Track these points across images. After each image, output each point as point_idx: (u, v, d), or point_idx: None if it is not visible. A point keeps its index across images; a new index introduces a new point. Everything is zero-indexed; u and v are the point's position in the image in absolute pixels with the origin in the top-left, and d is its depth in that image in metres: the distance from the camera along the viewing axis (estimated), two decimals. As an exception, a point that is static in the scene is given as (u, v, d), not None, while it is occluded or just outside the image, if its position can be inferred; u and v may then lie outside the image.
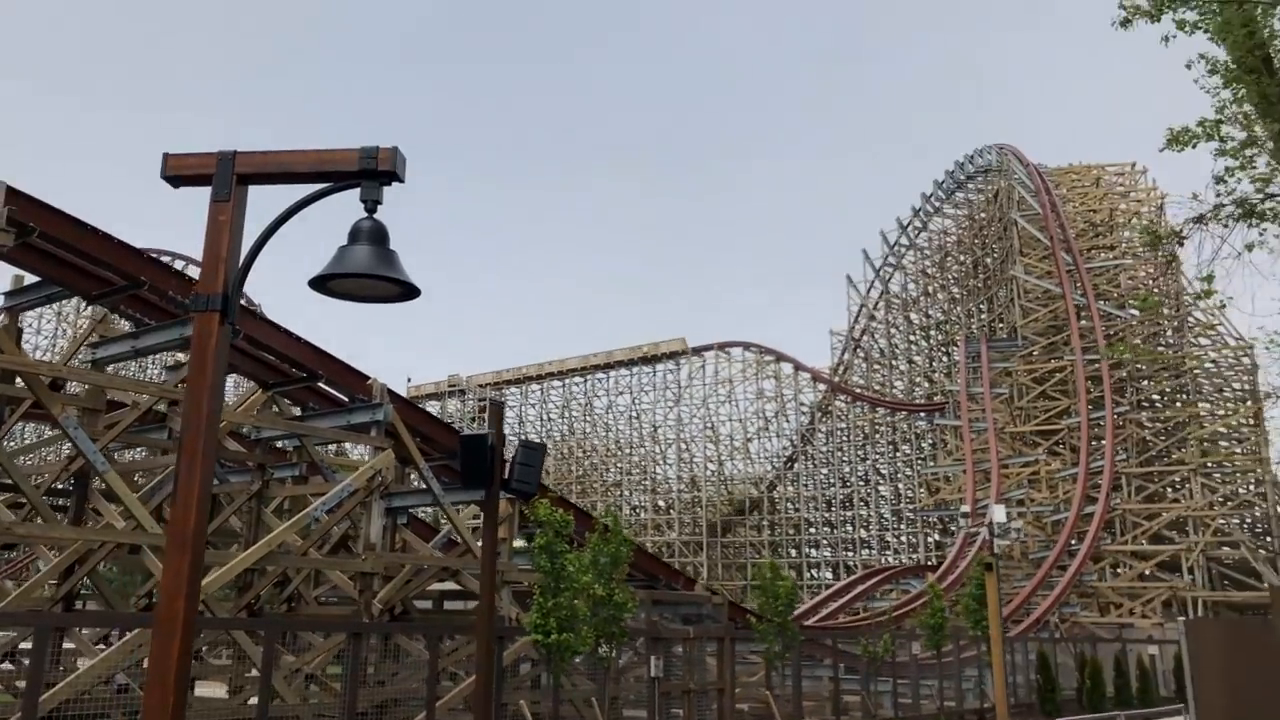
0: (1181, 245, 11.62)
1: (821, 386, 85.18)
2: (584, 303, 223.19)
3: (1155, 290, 64.53)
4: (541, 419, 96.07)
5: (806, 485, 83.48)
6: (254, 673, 16.16)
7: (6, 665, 17.99)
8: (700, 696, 21.68)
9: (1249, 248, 11.57)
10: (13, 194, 14.34)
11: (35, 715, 11.84)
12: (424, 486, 21.06)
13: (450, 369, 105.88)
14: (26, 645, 15.48)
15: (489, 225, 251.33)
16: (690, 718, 20.88)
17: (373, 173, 5.23)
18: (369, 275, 5.32)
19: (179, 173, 5.58)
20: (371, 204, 5.31)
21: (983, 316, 78.32)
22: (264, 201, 5.68)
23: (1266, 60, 11.60)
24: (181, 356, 26.54)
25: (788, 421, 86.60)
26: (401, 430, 19.46)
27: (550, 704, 16.16)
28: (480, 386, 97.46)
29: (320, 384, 20.05)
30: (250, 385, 20.74)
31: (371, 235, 5.31)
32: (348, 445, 27.70)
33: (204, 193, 5.53)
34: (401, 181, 5.36)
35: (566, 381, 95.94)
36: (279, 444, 21.44)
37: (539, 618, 13.68)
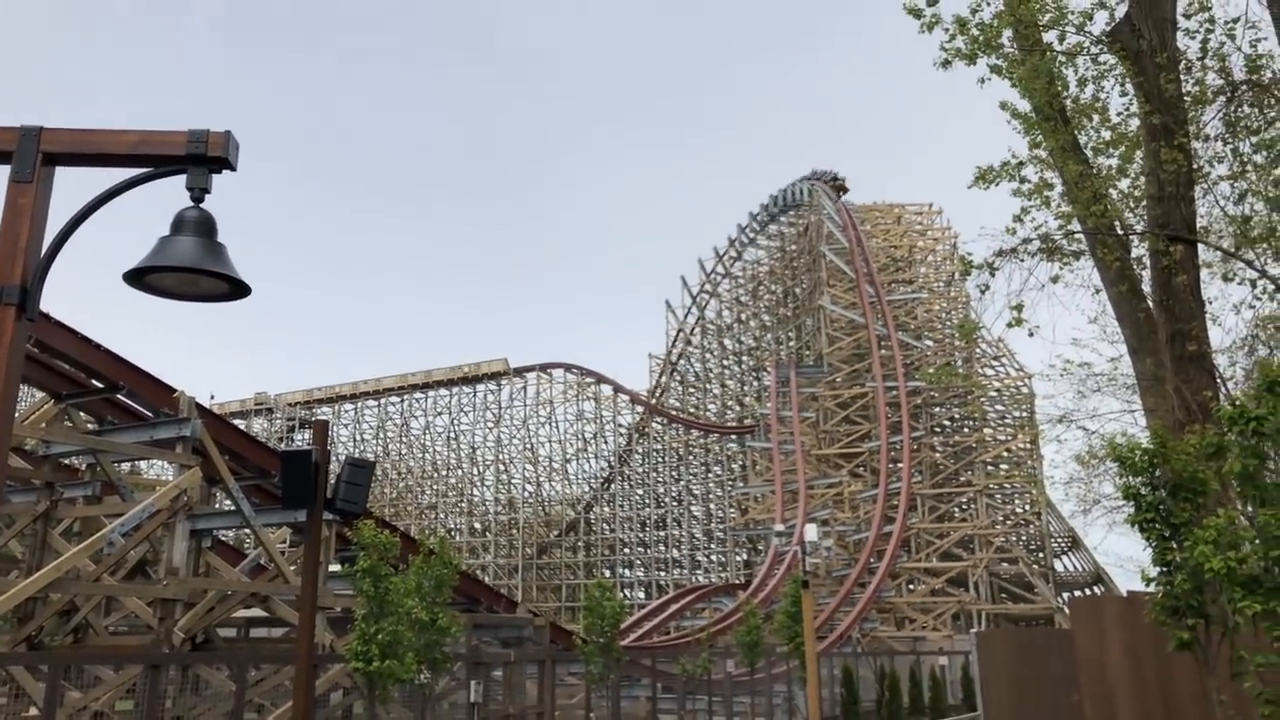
0: (993, 275, 12.58)
1: (639, 408, 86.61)
2: (402, 324, 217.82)
3: (946, 322, 69.51)
4: (355, 440, 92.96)
5: (622, 506, 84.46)
6: (33, 711, 14.71)
7: None
8: (520, 720, 21.43)
9: (1054, 279, 12.67)
10: None
11: None
12: (232, 508, 19.87)
13: (255, 388, 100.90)
14: None
15: (298, 237, 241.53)
16: (510, 742, 20.58)
17: (201, 158, 4.77)
18: (194, 270, 4.89)
19: None
20: (199, 192, 4.83)
21: (792, 344, 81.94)
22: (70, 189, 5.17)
23: (1062, 111, 12.79)
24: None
25: (606, 443, 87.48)
26: (210, 447, 18.30)
27: (366, 733, 15.51)
28: (290, 405, 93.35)
29: (120, 396, 18.60)
30: (39, 396, 18.97)
31: (197, 226, 4.80)
32: (144, 464, 25.80)
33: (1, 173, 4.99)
34: (233, 169, 4.91)
35: (382, 401, 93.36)
36: (70, 460, 19.70)
37: (360, 644, 13.13)
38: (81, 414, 19.66)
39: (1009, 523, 62.78)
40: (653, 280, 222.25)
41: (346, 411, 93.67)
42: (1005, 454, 63.86)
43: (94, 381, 18.33)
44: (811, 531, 24.96)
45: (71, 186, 5.21)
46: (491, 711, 20.41)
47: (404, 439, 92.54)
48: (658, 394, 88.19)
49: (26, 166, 4.81)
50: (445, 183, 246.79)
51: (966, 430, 65.71)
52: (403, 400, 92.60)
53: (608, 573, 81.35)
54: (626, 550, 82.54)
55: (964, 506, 63.00)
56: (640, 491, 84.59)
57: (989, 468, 63.00)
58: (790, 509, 60.14)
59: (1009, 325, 13.27)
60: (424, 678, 16.14)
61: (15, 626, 18.04)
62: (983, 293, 13.43)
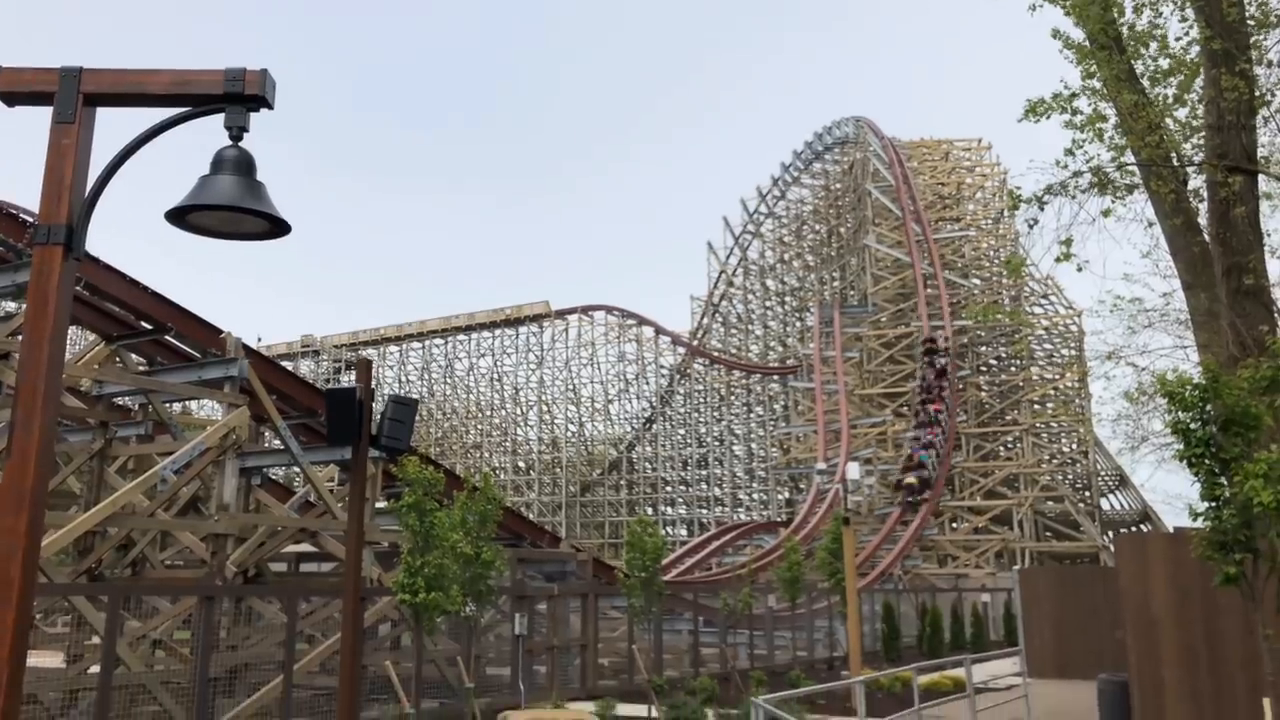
0: (1042, 210, 12.27)
1: (681, 350, 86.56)
2: (446, 265, 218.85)
3: (994, 260, 68.26)
4: (400, 381, 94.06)
5: (664, 445, 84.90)
6: (95, 640, 15.28)
7: None
8: (563, 653, 21.84)
9: (1105, 213, 12.33)
10: None
11: None
12: (280, 446, 20.26)
13: (302, 330, 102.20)
14: None
15: (344, 178, 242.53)
16: (554, 674, 21.01)
17: (239, 97, 4.75)
18: (234, 208, 4.89)
19: (14, 89, 4.95)
20: (237, 131, 4.82)
21: (835, 284, 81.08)
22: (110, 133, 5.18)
23: (1118, 39, 12.31)
24: (11, 306, 24.62)
25: (647, 384, 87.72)
26: (258, 387, 18.59)
27: (414, 664, 15.92)
28: (335, 347, 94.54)
29: (169, 338, 18.91)
30: (92, 338, 19.38)
31: (236, 165, 4.84)
32: (194, 405, 26.36)
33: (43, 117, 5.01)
34: (270, 107, 4.90)
35: (427, 343, 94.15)
36: (122, 400, 20.17)
37: (407, 577, 13.42)
38: (132, 355, 20.06)
39: (1055, 461, 62.14)
40: (695, 222, 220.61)
41: (391, 353, 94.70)
42: (1052, 392, 63.03)
43: (143, 323, 18.63)
44: (854, 470, 24.95)
45: (112, 133, 5.21)
46: (536, 643, 20.83)
47: (448, 380, 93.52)
48: (699, 335, 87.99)
49: (68, 108, 4.83)
50: (488, 126, 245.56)
51: (1013, 369, 64.89)
52: (446, 342, 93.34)
53: (650, 510, 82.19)
54: (668, 489, 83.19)
55: (1009, 445, 62.49)
56: (682, 431, 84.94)
57: (1035, 406, 62.29)
58: (833, 448, 60.09)
59: (1058, 260, 12.96)
60: (469, 610, 16.50)
61: (76, 559, 18.68)
62: (1031, 228, 13.12)
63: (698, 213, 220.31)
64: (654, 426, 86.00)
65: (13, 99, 4.99)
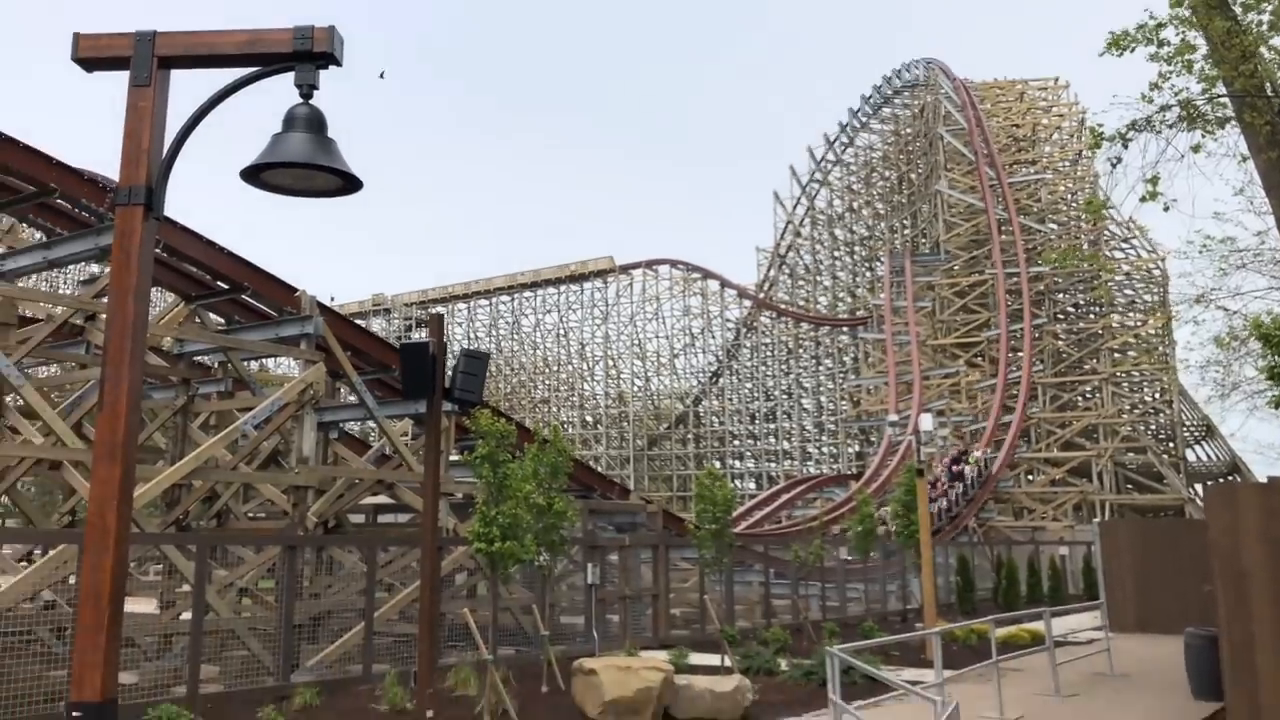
0: (1126, 147, 11.76)
1: (747, 303, 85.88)
2: (512, 224, 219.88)
3: (1072, 203, 66.10)
4: (468, 337, 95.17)
5: (731, 399, 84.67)
6: (185, 588, 15.89)
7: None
8: (635, 602, 22.09)
9: (1195, 149, 11.78)
10: (-101, 90, 13.28)
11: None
12: (355, 401, 20.68)
13: (372, 289, 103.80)
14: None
15: (407, 136, 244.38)
16: (627, 623, 21.27)
17: (308, 55, 4.81)
18: (307, 165, 4.92)
19: (92, 55, 5.06)
20: (307, 89, 4.89)
21: (906, 232, 79.40)
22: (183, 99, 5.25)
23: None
24: (96, 269, 25.41)
25: (713, 338, 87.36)
26: (333, 343, 18.95)
27: (490, 612, 16.24)
28: (406, 305, 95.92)
29: (245, 297, 19.34)
30: (171, 299, 19.91)
31: (308, 122, 4.90)
32: (270, 362, 27.02)
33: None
34: (339, 65, 4.92)
35: (493, 300, 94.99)
36: (202, 358, 20.76)
37: (482, 526, 13.64)
38: (211, 315, 20.57)
39: (1136, 411, 60.41)
40: (761, 173, 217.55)
41: (460, 310, 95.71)
42: (1134, 340, 61.06)
43: (220, 283, 19.06)
44: (927, 421, 24.52)
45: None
46: (608, 593, 21.09)
47: (515, 336, 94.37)
48: (766, 287, 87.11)
49: (144, 71, 4.91)
50: (551, 84, 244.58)
51: (1092, 316, 62.94)
52: (513, 299, 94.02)
53: (717, 464, 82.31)
54: (736, 442, 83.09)
55: (1088, 395, 60.88)
56: (749, 385, 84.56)
57: (1116, 355, 60.41)
58: (904, 400, 59.28)
59: (1142, 200, 12.45)
60: (543, 560, 16.74)
61: (164, 511, 19.40)
62: (1114, 167, 12.59)
63: (763, 163, 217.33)
64: (720, 380, 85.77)
65: (91, 65, 5.09)
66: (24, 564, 16.80)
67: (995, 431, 55.73)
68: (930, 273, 67.55)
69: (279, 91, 5.08)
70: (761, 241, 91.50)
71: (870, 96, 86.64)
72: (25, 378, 15.32)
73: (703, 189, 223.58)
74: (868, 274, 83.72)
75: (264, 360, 24.40)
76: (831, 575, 27.62)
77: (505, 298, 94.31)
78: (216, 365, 20.95)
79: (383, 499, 22.42)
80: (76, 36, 5.13)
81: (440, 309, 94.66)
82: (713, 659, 18.01)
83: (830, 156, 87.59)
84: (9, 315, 16.09)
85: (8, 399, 15.95)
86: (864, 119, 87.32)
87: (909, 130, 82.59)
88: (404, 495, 20.66)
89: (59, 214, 17.07)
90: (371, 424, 24.77)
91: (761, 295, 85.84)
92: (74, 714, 4.51)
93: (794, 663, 17.50)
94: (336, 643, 16.34)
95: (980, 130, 69.32)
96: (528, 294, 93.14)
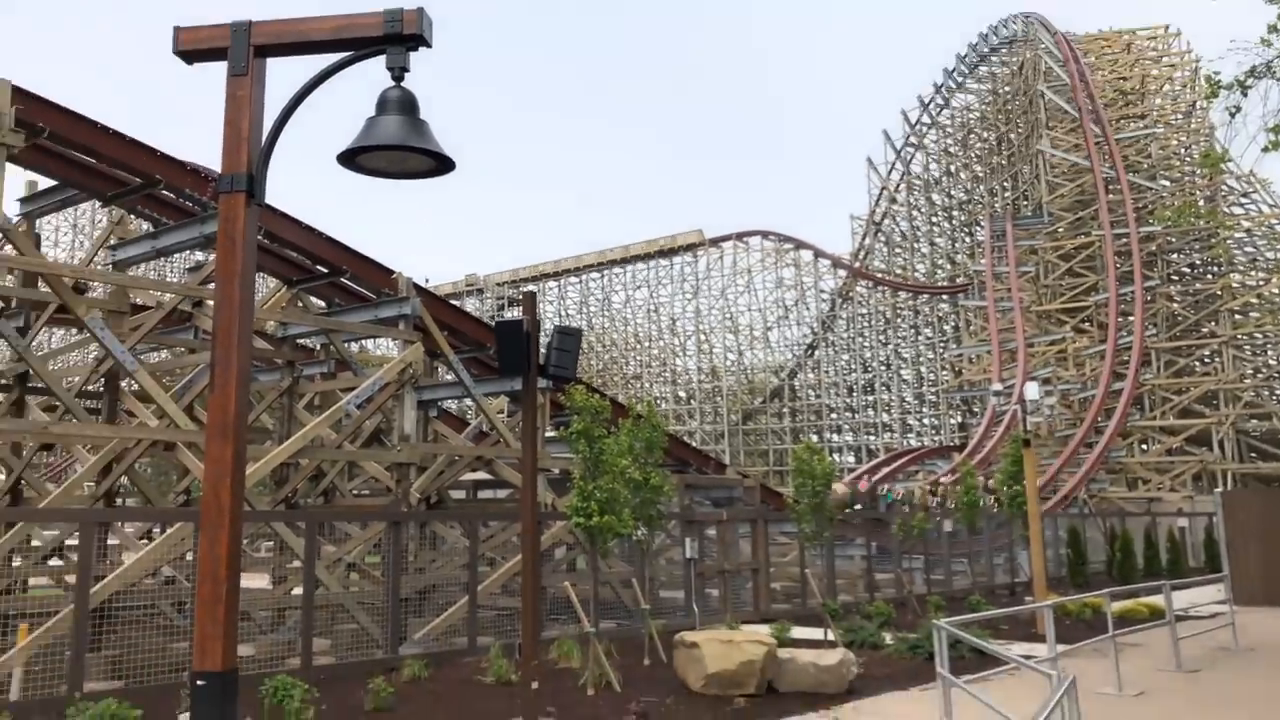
0: (1245, 95, 11.02)
1: (842, 272, 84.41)
2: (601, 201, 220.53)
3: (1185, 158, 62.87)
4: (560, 315, 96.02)
5: (828, 372, 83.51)
6: (295, 564, 16.41)
7: (55, 561, 18.36)
8: (735, 577, 22.00)
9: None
10: (19, 93, 13.89)
11: (87, 607, 12.02)
12: (453, 379, 21.01)
13: (465, 270, 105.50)
14: (71, 543, 15.72)
15: (490, 118, 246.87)
16: (727, 597, 21.22)
17: (398, 37, 4.87)
18: (401, 147, 4.97)
19: (192, 47, 5.22)
20: (398, 71, 4.94)
21: (1007, 194, 76.76)
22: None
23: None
24: (201, 256, 26.35)
25: (808, 309, 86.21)
26: (430, 323, 19.28)
27: (589, 585, 16.36)
28: (498, 285, 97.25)
29: (344, 280, 19.80)
30: (273, 283, 20.51)
31: (400, 105, 4.95)
32: (370, 343, 27.67)
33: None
34: (429, 46, 4.95)
35: (584, 277, 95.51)
36: (305, 341, 21.35)
37: (580, 501, 13.71)
38: (312, 298, 21.12)
39: (1260, 375, 57.38)
40: (852, 139, 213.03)
41: (550, 289, 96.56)
42: (1256, 300, 57.88)
43: (320, 267, 19.54)
44: (1032, 390, 23.66)
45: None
46: (707, 567, 21.05)
47: (606, 313, 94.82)
48: (861, 256, 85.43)
49: (241, 60, 5.02)
50: (636, 61, 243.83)
51: (1209, 276, 59.90)
52: (602, 275, 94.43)
53: (814, 438, 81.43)
54: (833, 415, 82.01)
55: (1206, 360, 58.06)
56: (846, 357, 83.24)
57: (1237, 316, 57.38)
58: (1008, 368, 57.56)
59: (1264, 150, 11.66)
60: (641, 534, 16.77)
61: (274, 489, 20.08)
62: (1232, 116, 11.82)
63: (854, 129, 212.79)
64: (816, 353, 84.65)
65: (192, 57, 5.23)
66: (144, 541, 17.59)
67: (1105, 399, 53.66)
68: (1033, 236, 65.22)
69: (367, 74, 5.10)
70: (855, 209, 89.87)
71: (965, 55, 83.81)
72: (139, 363, 15.96)
73: (792, 159, 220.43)
74: (967, 239, 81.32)
75: (363, 341, 24.96)
76: (936, 548, 27.07)
77: (595, 275, 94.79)
78: (319, 347, 21.51)
79: (482, 475, 22.79)
80: (177, 30, 5.32)
81: (532, 287, 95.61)
82: (815, 633, 17.81)
83: (925, 119, 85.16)
84: (122, 303, 16.78)
85: (123, 384, 16.65)
86: (959, 79, 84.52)
87: (1007, 89, 79.61)
88: (502, 471, 20.94)
89: (164, 204, 17.68)
90: (469, 402, 25.17)
91: (857, 264, 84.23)
92: (198, 682, 4.70)
93: (899, 637, 17.19)
94: (442, 616, 16.67)
95: (1084, 85, 66.38)
96: (617, 270, 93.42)
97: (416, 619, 17.16)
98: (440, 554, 21.11)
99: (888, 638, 17.34)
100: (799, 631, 18.00)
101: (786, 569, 24.82)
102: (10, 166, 13.66)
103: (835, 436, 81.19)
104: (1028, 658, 10.93)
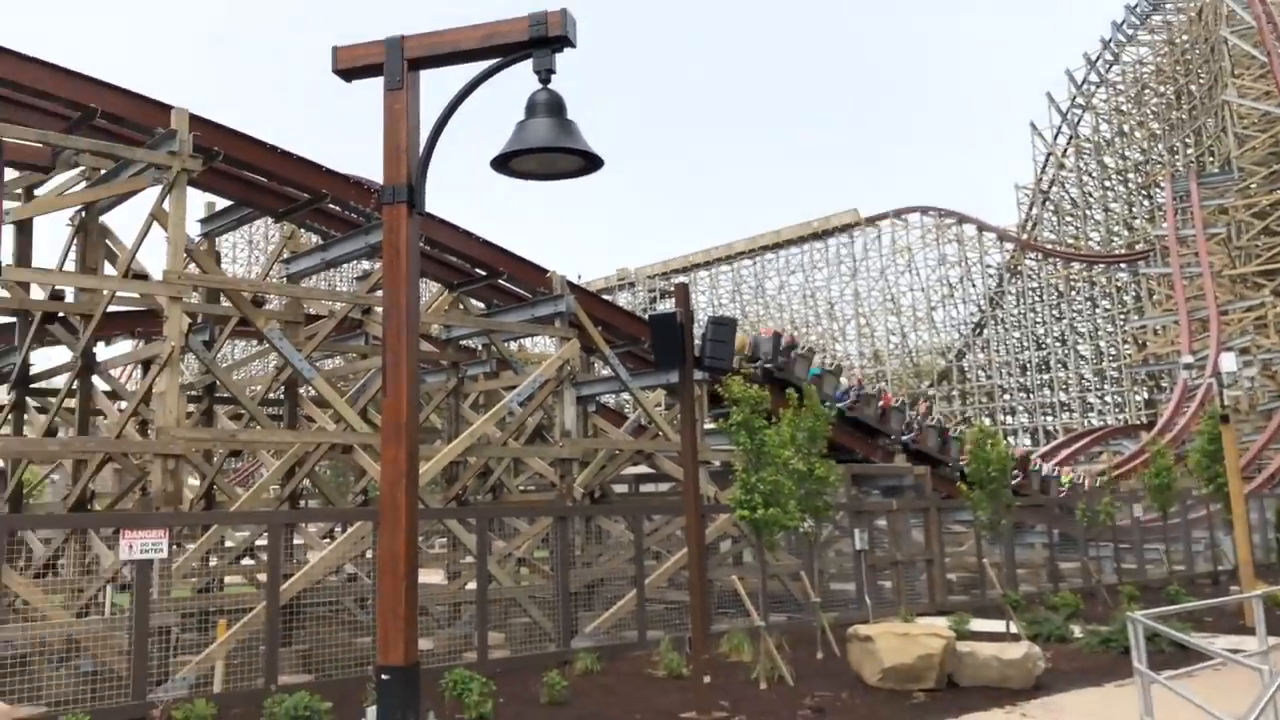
0: None
1: (1009, 246, 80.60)
2: (751, 189, 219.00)
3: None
4: (713, 305, 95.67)
5: (998, 351, 79.93)
6: (468, 559, 16.88)
7: (247, 560, 19.59)
8: (908, 568, 21.29)
9: None
10: (196, 120, 14.80)
11: (278, 603, 12.71)
12: (610, 374, 21.17)
13: (616, 265, 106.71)
14: (261, 543, 16.70)
15: (635, 110, 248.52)
16: (900, 588, 20.55)
17: (543, 40, 4.94)
18: (552, 149, 5.03)
19: (350, 65, 5.49)
20: (545, 74, 5.01)
21: (1189, 152, 71.38)
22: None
23: None
24: (367, 265, 27.56)
25: (974, 286, 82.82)
26: (584, 320, 19.48)
27: (757, 579, 16.14)
28: (649, 278, 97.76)
29: (501, 281, 20.26)
30: (435, 288, 21.21)
31: (549, 107, 5.01)
32: (527, 342, 28.30)
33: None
34: (574, 46, 5.01)
35: (735, 265, 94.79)
36: (467, 342, 22.00)
37: (743, 493, 13.49)
38: (472, 300, 21.71)
39: None
40: (1012, 104, 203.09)
41: (702, 279, 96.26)
42: None
43: (478, 270, 20.07)
44: (1229, 361, 21.78)
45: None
46: (878, 558, 20.44)
47: (759, 300, 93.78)
48: (1029, 228, 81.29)
49: (396, 74, 5.21)
50: (787, 42, 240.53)
51: None
52: (754, 262, 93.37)
53: (987, 420, 78.14)
54: (1006, 397, 78.46)
55: None
56: (1017, 334, 79.41)
57: None
58: (1199, 339, 53.54)
59: None
60: (807, 526, 16.40)
61: (444, 487, 20.78)
62: None
63: (1014, 96, 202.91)
64: (985, 331, 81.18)
65: (350, 75, 5.45)
66: (327, 540, 18.50)
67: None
68: (1221, 194, 60.37)
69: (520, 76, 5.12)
70: (1020, 178, 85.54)
71: (1136, 5, 78.31)
72: (315, 370, 16.78)
73: (949, 132, 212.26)
74: (1145, 203, 76.09)
75: (522, 340, 25.55)
76: (1125, 535, 25.41)
77: (747, 262, 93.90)
78: (481, 347, 22.12)
79: (643, 468, 22.89)
80: (335, 50, 5.61)
81: (683, 278, 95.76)
82: (995, 625, 17.02)
83: (1093, 78, 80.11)
84: (297, 314, 17.70)
85: (302, 391, 17.55)
86: (1130, 31, 79.08)
87: (1185, 37, 73.92)
88: (663, 464, 20.95)
89: (331, 217, 18.53)
90: (626, 396, 25.32)
91: (1025, 236, 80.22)
92: (383, 676, 4.89)
93: (1088, 629, 16.23)
94: (611, 610, 16.81)
95: (1274, 27, 60.83)
96: (770, 256, 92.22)
97: (586, 612, 17.37)
98: (605, 548, 21.33)
99: (1076, 630, 16.44)
100: (978, 624, 17.31)
101: (962, 559, 23.85)
102: (190, 190, 14.58)
103: (1009, 418, 77.70)
104: (1234, 652, 10.14)
